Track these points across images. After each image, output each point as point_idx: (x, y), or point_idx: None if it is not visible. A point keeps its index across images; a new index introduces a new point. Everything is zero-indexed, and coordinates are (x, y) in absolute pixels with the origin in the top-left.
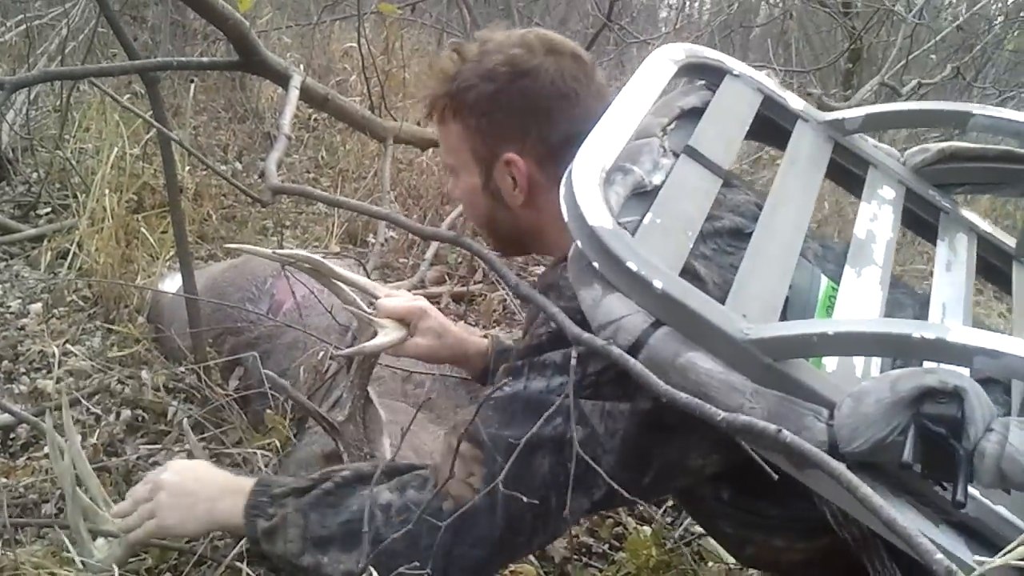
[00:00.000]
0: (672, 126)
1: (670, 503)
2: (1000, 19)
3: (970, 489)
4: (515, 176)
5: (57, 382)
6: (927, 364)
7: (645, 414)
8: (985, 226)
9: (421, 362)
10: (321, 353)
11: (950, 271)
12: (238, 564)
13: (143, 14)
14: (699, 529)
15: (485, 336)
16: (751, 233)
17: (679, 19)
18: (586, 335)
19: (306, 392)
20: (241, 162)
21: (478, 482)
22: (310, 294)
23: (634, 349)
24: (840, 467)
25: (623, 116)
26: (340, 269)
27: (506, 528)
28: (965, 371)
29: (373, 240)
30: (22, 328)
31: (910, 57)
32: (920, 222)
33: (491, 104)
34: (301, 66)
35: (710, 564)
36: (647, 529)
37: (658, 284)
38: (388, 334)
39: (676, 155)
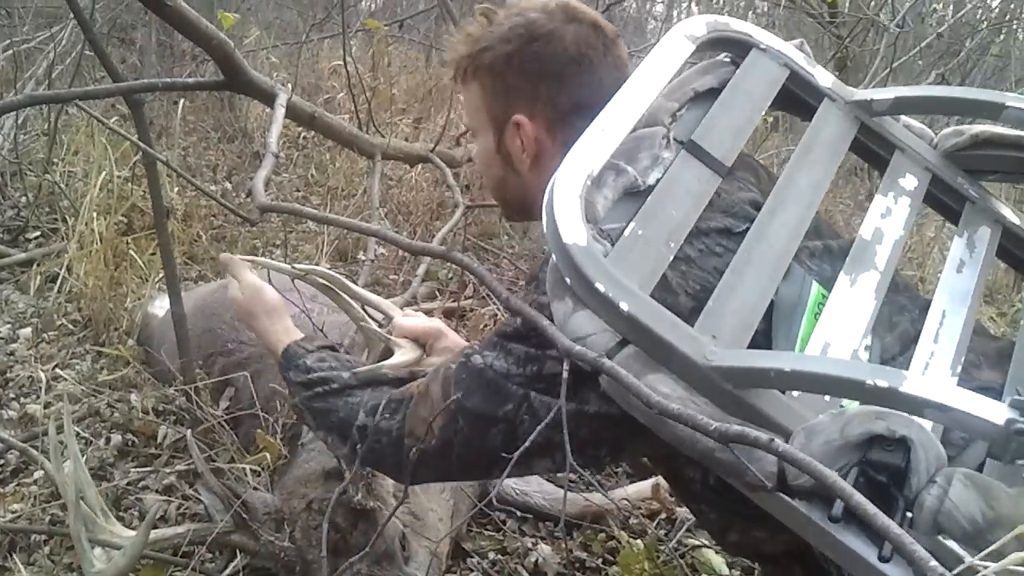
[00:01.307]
0: (683, 111)
1: (663, 516)
2: (984, 25)
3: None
4: (523, 139)
5: (46, 407)
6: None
7: (592, 415)
8: (1013, 217)
9: None
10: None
11: (960, 272)
12: None
13: (131, 36)
14: (692, 541)
15: None
16: (742, 232)
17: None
18: (577, 348)
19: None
20: (231, 182)
21: (439, 431)
22: (301, 313)
23: (600, 366)
24: (833, 475)
25: (625, 106)
26: (355, 287)
27: (457, 469)
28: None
29: (363, 257)
30: (11, 353)
31: (894, 65)
32: (946, 209)
33: (505, 65)
34: (289, 85)
35: (702, 575)
36: (640, 543)
37: (624, 306)
38: (405, 353)
39: (681, 144)
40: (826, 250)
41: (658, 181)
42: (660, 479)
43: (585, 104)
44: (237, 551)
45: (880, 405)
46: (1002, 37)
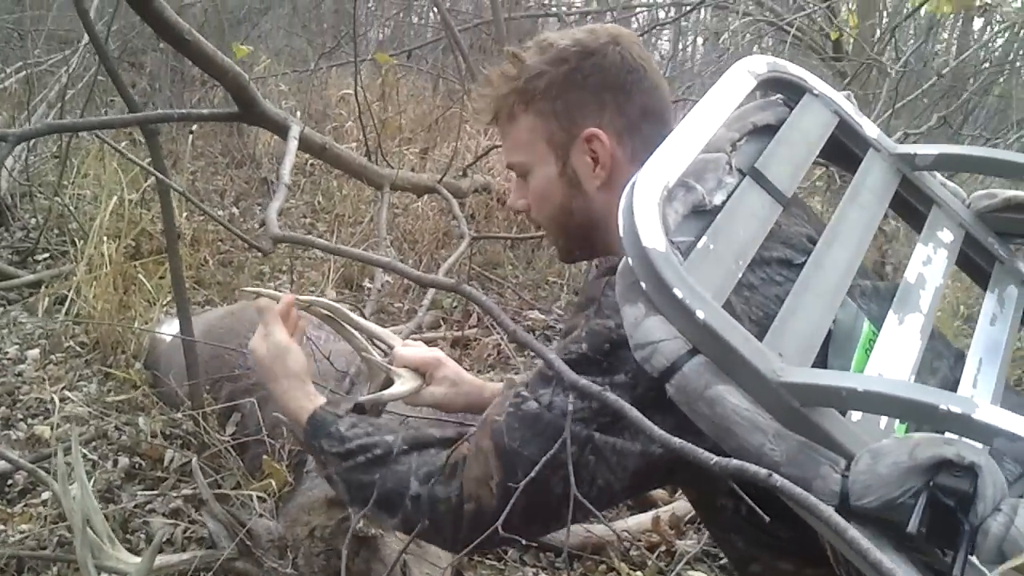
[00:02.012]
0: (743, 141)
1: (663, 548)
2: (986, 66)
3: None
4: (596, 151)
5: (54, 428)
6: (948, 433)
7: (656, 457)
8: None
9: (428, 409)
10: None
11: (993, 325)
12: None
13: (141, 60)
14: (692, 574)
15: (501, 380)
16: (800, 264)
17: (670, 67)
18: (583, 382)
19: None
20: (238, 207)
21: (496, 488)
22: (307, 341)
23: (668, 373)
24: (828, 510)
25: (695, 129)
26: (356, 317)
27: (519, 526)
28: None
29: (369, 285)
30: (19, 374)
31: (896, 107)
32: (975, 268)
33: (566, 84)
34: (298, 113)
35: None
36: (640, 575)
37: (700, 315)
38: (405, 383)
39: (741, 173)
40: (875, 290)
41: (723, 203)
42: (660, 511)
43: (651, 110)
44: None
45: (951, 431)
46: (1004, 78)
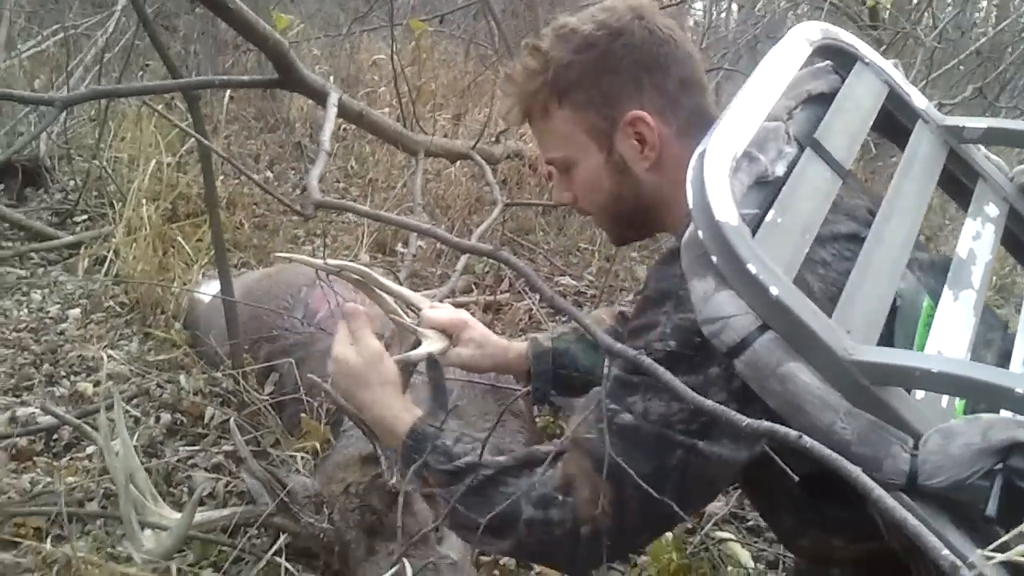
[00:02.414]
0: (798, 110)
1: None
2: None
3: None
4: (642, 133)
5: (96, 385)
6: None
7: (758, 453)
8: None
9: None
10: None
11: None
12: (278, 559)
13: (174, 23)
14: (720, 535)
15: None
16: (865, 239)
17: (705, 36)
18: (619, 346)
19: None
20: (272, 171)
21: (610, 507)
22: (344, 303)
23: (737, 349)
24: (856, 470)
25: (756, 97)
26: (386, 280)
27: (633, 537)
28: None
29: (402, 250)
30: (61, 333)
31: (931, 77)
32: (1017, 243)
33: (598, 70)
34: (331, 78)
35: (729, 569)
36: (668, 535)
37: (773, 291)
38: (432, 344)
39: (799, 143)
40: (931, 264)
41: (785, 174)
42: None
43: (689, 80)
44: (280, 532)
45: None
46: None
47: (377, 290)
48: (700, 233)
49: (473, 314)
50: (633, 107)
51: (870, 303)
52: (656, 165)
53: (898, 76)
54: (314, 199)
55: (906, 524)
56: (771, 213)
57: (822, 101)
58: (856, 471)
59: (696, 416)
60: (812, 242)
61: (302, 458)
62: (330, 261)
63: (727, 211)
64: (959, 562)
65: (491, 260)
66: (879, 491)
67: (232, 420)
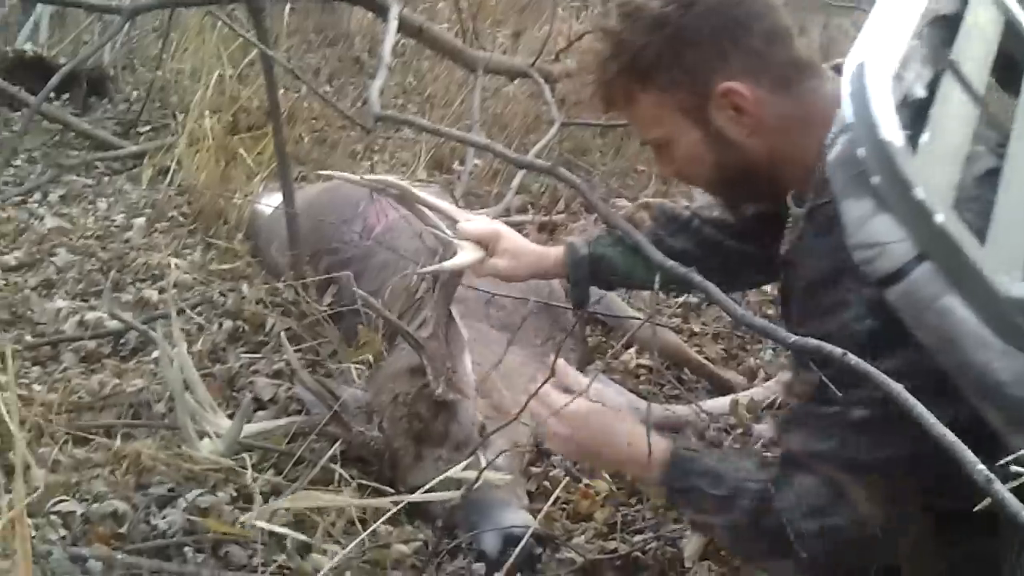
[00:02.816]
0: (927, 30)
1: (739, 431)
2: None
3: None
4: (737, 103)
5: (161, 292)
6: None
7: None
8: None
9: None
10: (411, 275)
11: None
12: (332, 465)
13: None
14: (768, 455)
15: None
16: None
17: None
18: (670, 263)
19: (397, 312)
20: (332, 86)
21: (886, 502)
22: (401, 218)
23: (892, 278)
24: (898, 387)
25: (898, 11)
26: (423, 194)
27: (911, 524)
28: None
29: (458, 167)
30: (127, 241)
31: None
32: None
33: (677, 46)
34: None
35: None
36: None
37: (939, 218)
38: (466, 255)
39: (935, 66)
40: None
41: (926, 97)
42: (739, 396)
43: (773, 31)
44: (334, 440)
45: None
46: None
47: (417, 204)
48: (861, 151)
49: (528, 234)
50: (721, 77)
51: (1018, 240)
52: (757, 129)
53: (1014, 5)
54: (374, 112)
55: (943, 440)
56: (925, 136)
57: (946, 23)
58: (898, 388)
59: (930, 375)
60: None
61: (356, 369)
62: (368, 177)
63: (893, 130)
64: (992, 475)
65: (547, 180)
66: (920, 408)
67: (281, 333)
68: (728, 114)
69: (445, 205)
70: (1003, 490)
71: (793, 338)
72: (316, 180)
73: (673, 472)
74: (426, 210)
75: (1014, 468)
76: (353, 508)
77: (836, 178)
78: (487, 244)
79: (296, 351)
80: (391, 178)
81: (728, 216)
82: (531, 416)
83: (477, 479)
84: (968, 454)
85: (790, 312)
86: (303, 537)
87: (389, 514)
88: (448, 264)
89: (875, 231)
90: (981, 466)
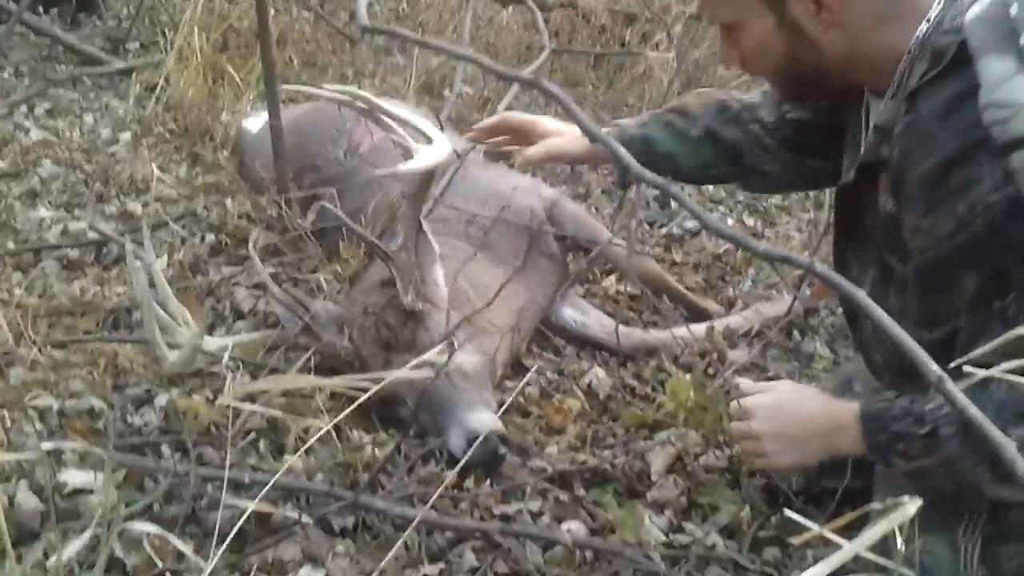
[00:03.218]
0: None
1: (714, 356)
2: None
3: None
4: None
5: (145, 206)
6: None
7: None
8: None
9: (485, 203)
10: (391, 192)
11: None
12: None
13: None
14: (739, 380)
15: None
16: None
17: None
18: (649, 174)
19: (380, 230)
20: (323, 9)
21: None
22: (387, 138)
23: (1020, 143)
24: (860, 294)
25: None
26: (388, 105)
27: None
28: None
29: (448, 93)
30: (112, 155)
31: None
32: None
33: None
34: None
35: None
36: (687, 375)
37: None
38: (422, 158)
39: None
40: None
41: None
42: (715, 323)
43: None
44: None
45: None
46: None
47: (382, 116)
48: (1015, 9)
49: (514, 162)
50: None
51: None
52: (837, 25)
53: None
54: (361, 23)
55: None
56: None
57: None
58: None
59: None
60: None
61: (326, 280)
62: (326, 86)
63: None
64: (944, 375)
65: (538, 108)
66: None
67: (251, 245)
68: (807, 6)
69: (410, 115)
70: (955, 389)
71: (761, 247)
72: (300, 100)
73: (870, 427)
74: (391, 121)
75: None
76: (327, 415)
77: (976, 35)
78: (527, 131)
79: (278, 262)
80: (356, 89)
81: (779, 115)
82: (735, 435)
83: (445, 364)
84: (922, 354)
85: (854, 231)
86: (278, 414)
87: (359, 402)
88: (403, 168)
89: (1014, 91)
90: (935, 367)
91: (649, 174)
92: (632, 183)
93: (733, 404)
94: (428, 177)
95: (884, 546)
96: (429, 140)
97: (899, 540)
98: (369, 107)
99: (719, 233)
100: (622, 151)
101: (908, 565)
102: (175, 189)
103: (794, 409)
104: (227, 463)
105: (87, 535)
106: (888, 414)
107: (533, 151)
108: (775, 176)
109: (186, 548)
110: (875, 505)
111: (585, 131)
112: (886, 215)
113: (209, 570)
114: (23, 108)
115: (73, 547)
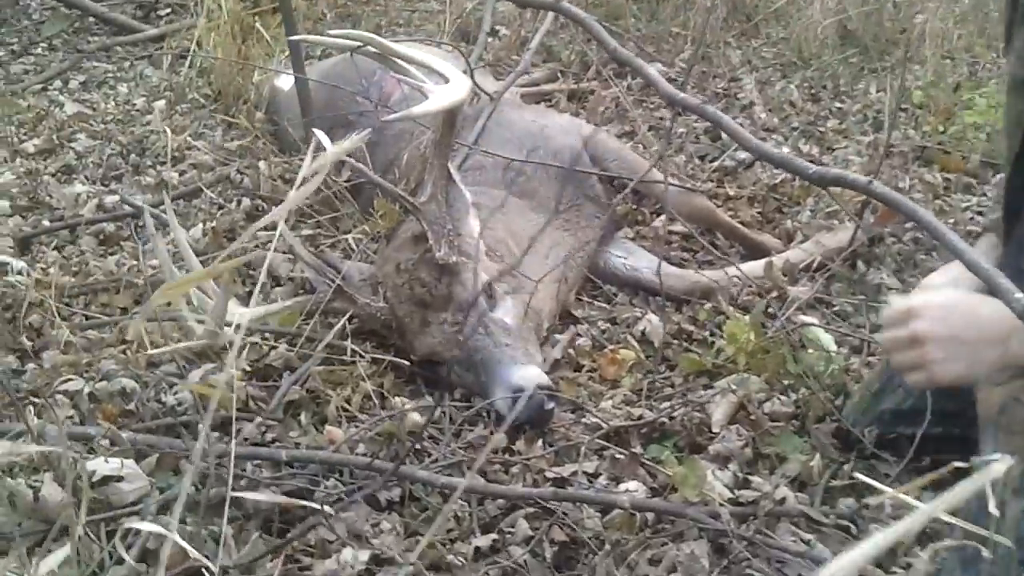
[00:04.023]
0: None
1: (774, 295)
2: None
3: None
4: None
5: (182, 175)
6: None
7: None
8: None
9: (522, 146)
10: (425, 143)
11: None
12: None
13: None
14: (803, 318)
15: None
16: None
17: None
18: (681, 96)
19: (415, 182)
20: None
21: None
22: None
23: None
24: (928, 215)
25: None
26: (401, 48)
27: None
28: None
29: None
30: (147, 124)
31: None
32: None
33: None
34: None
35: (810, 351)
36: (746, 317)
37: None
38: (436, 99)
39: None
40: None
41: None
42: (774, 258)
43: None
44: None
45: None
46: None
47: (398, 60)
48: None
49: (558, 103)
50: None
51: None
52: None
53: None
54: None
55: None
56: None
57: None
58: (928, 216)
59: None
60: None
61: (357, 239)
62: (337, 32)
63: None
64: None
65: (576, 46)
66: (951, 236)
67: (275, 210)
68: None
69: (424, 56)
70: None
71: (812, 168)
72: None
73: None
74: (405, 64)
75: None
76: (368, 383)
77: None
78: None
79: (316, 223)
80: (363, 33)
81: None
82: (889, 344)
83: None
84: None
85: None
86: None
87: None
88: (417, 109)
89: None
90: (1020, 295)
91: (693, 100)
92: (678, 112)
93: (888, 309)
94: (450, 119)
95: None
96: (446, 80)
97: (991, 503)
98: (381, 50)
99: (769, 158)
100: (650, 72)
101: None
102: (210, 155)
103: (969, 310)
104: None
105: (63, 552)
106: None
107: None
108: None
109: (188, 546)
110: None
111: (612, 54)
112: None
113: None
114: (57, 82)
115: (51, 561)
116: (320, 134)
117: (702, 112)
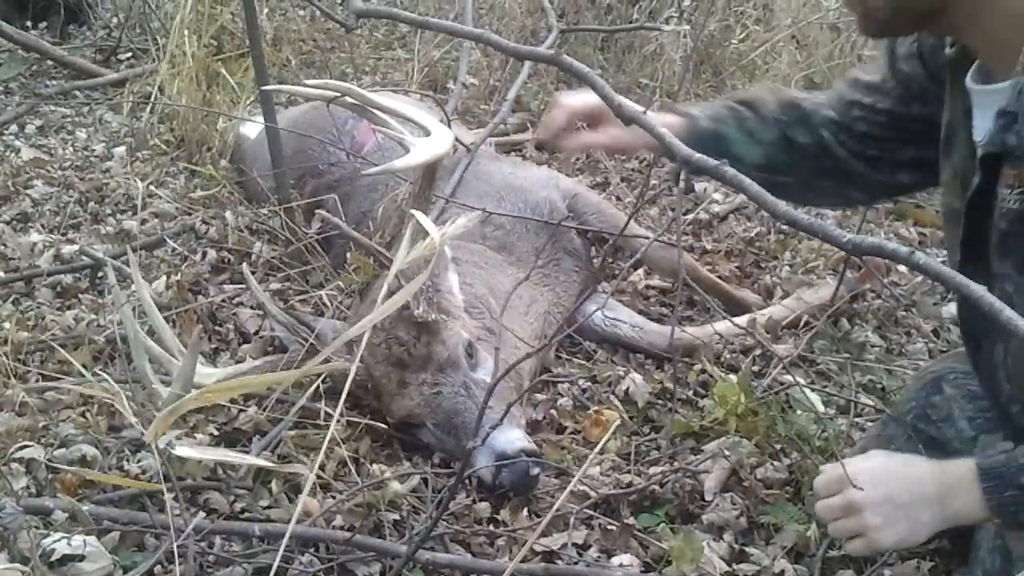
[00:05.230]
0: None
1: (757, 352)
2: None
3: None
4: None
5: (142, 224)
6: None
7: None
8: None
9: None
10: (403, 194)
11: None
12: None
13: None
14: (788, 379)
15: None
16: None
17: None
18: (697, 156)
19: (390, 235)
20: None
21: None
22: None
23: None
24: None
25: None
26: (380, 98)
27: None
28: None
29: (452, 86)
30: (107, 170)
31: None
32: None
33: None
34: None
35: (798, 412)
36: (733, 377)
37: None
38: (417, 153)
39: None
40: None
41: None
42: (757, 315)
43: None
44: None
45: None
46: None
47: (375, 111)
48: None
49: (526, 154)
50: None
51: None
52: None
53: None
54: (355, 8)
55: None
56: None
57: None
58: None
59: None
60: None
61: (331, 295)
62: (308, 82)
63: None
64: None
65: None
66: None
67: (244, 267)
68: None
69: (404, 107)
70: None
71: (847, 237)
72: (300, 101)
73: (993, 485)
74: (382, 114)
75: None
76: (344, 449)
77: None
78: (595, 117)
79: (284, 276)
80: (341, 83)
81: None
82: (825, 512)
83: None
84: None
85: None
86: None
87: None
88: (399, 163)
89: None
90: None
91: (712, 162)
92: (688, 171)
93: (820, 477)
94: (430, 173)
95: None
96: (427, 132)
97: None
98: (359, 101)
99: (799, 226)
100: (663, 132)
101: None
102: (172, 204)
103: (901, 471)
104: None
105: None
106: (1014, 465)
107: (597, 139)
108: (840, 181)
109: None
110: None
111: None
112: (1007, 213)
113: None
114: (13, 127)
115: None
116: (422, 218)
117: (720, 175)
